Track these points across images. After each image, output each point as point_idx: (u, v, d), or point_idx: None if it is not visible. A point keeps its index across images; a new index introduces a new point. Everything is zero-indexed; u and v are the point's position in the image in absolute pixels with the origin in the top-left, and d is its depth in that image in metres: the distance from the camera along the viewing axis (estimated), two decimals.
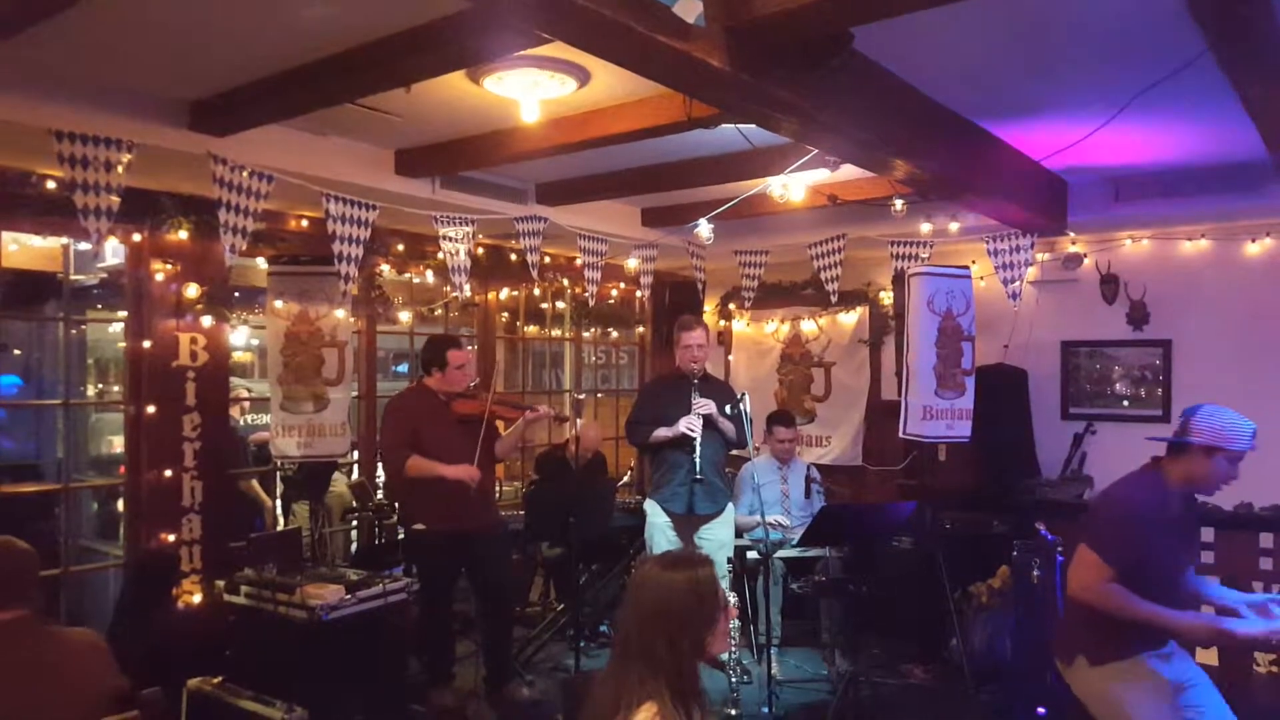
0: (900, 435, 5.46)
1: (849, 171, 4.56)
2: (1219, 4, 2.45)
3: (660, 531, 4.71)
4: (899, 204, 4.72)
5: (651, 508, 4.79)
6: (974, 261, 5.79)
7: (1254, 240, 5.30)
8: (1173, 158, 4.74)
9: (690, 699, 1.88)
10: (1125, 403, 5.77)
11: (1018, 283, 5.22)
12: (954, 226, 5.31)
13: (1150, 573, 2.79)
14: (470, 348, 6.46)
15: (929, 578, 5.05)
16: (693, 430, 4.60)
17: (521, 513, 6.11)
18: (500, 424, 4.72)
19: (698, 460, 4.59)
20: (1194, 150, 4.58)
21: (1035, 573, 4.27)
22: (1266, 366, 5.13)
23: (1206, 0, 2.44)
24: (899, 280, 5.74)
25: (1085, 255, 5.81)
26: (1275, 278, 5.26)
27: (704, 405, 4.64)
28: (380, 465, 6.33)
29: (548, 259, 6.30)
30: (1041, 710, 4.20)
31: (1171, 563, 2.87)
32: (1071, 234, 5.66)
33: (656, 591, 1.94)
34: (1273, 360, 5.08)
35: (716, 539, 4.69)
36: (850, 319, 6.82)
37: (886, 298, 6.59)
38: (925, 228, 5.39)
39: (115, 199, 3.42)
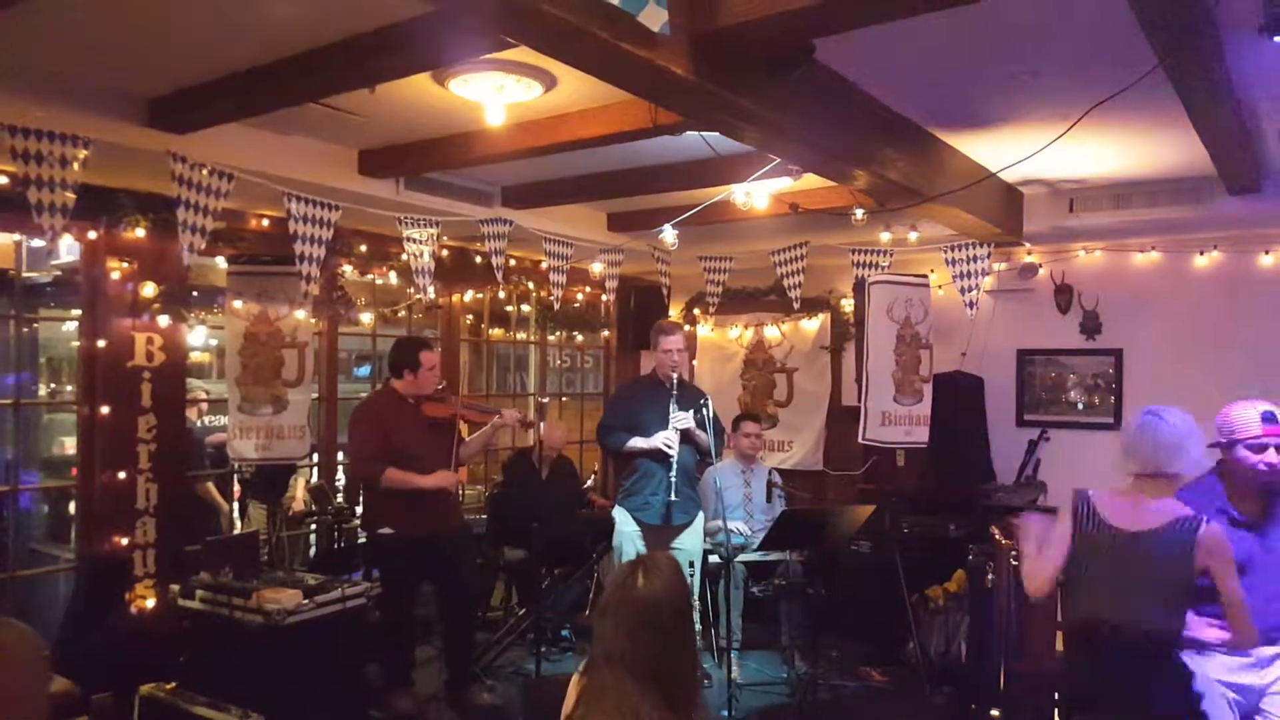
0: (860, 440, 5.53)
1: (811, 180, 4.61)
2: (1169, 21, 2.53)
3: (630, 540, 4.63)
4: (859, 213, 4.79)
5: (621, 515, 4.69)
6: (932, 270, 5.89)
7: (1202, 253, 5.45)
8: (1125, 171, 4.87)
9: (691, 708, 1.89)
10: (1078, 410, 5.90)
11: (975, 291, 5.31)
12: (913, 236, 5.40)
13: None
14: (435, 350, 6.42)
15: (887, 581, 5.12)
16: (669, 446, 4.55)
17: (483, 516, 6.09)
18: (465, 427, 4.70)
19: (673, 479, 4.53)
20: (1145, 164, 4.71)
21: (989, 576, 4.35)
22: (1215, 376, 5.26)
23: (1157, 17, 2.52)
24: (859, 288, 5.81)
25: (1040, 265, 5.94)
26: (1222, 289, 5.41)
27: (682, 420, 4.59)
28: (344, 470, 6.29)
29: (513, 262, 6.28)
30: (995, 712, 4.28)
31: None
32: (1027, 244, 5.80)
33: (645, 603, 1.91)
34: (1220, 369, 5.22)
35: (687, 549, 4.63)
36: (812, 325, 6.89)
37: (848, 305, 6.67)
38: (885, 236, 5.48)
39: (71, 195, 3.35)
